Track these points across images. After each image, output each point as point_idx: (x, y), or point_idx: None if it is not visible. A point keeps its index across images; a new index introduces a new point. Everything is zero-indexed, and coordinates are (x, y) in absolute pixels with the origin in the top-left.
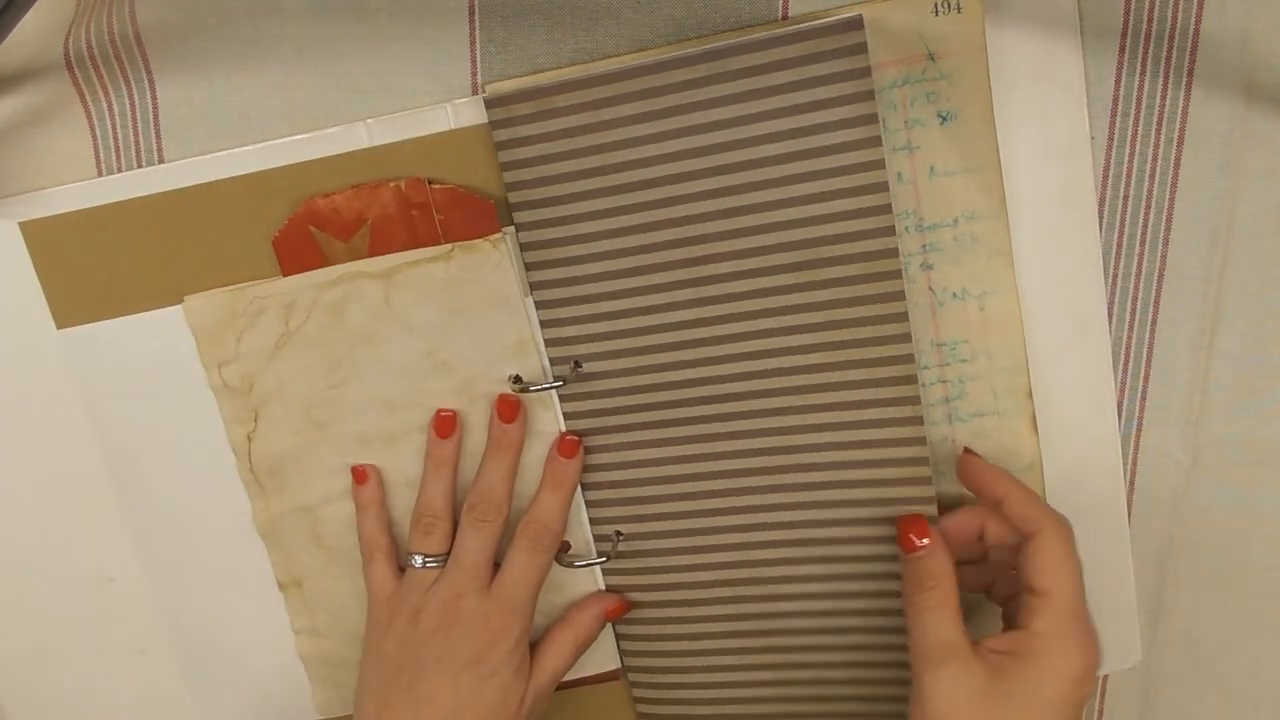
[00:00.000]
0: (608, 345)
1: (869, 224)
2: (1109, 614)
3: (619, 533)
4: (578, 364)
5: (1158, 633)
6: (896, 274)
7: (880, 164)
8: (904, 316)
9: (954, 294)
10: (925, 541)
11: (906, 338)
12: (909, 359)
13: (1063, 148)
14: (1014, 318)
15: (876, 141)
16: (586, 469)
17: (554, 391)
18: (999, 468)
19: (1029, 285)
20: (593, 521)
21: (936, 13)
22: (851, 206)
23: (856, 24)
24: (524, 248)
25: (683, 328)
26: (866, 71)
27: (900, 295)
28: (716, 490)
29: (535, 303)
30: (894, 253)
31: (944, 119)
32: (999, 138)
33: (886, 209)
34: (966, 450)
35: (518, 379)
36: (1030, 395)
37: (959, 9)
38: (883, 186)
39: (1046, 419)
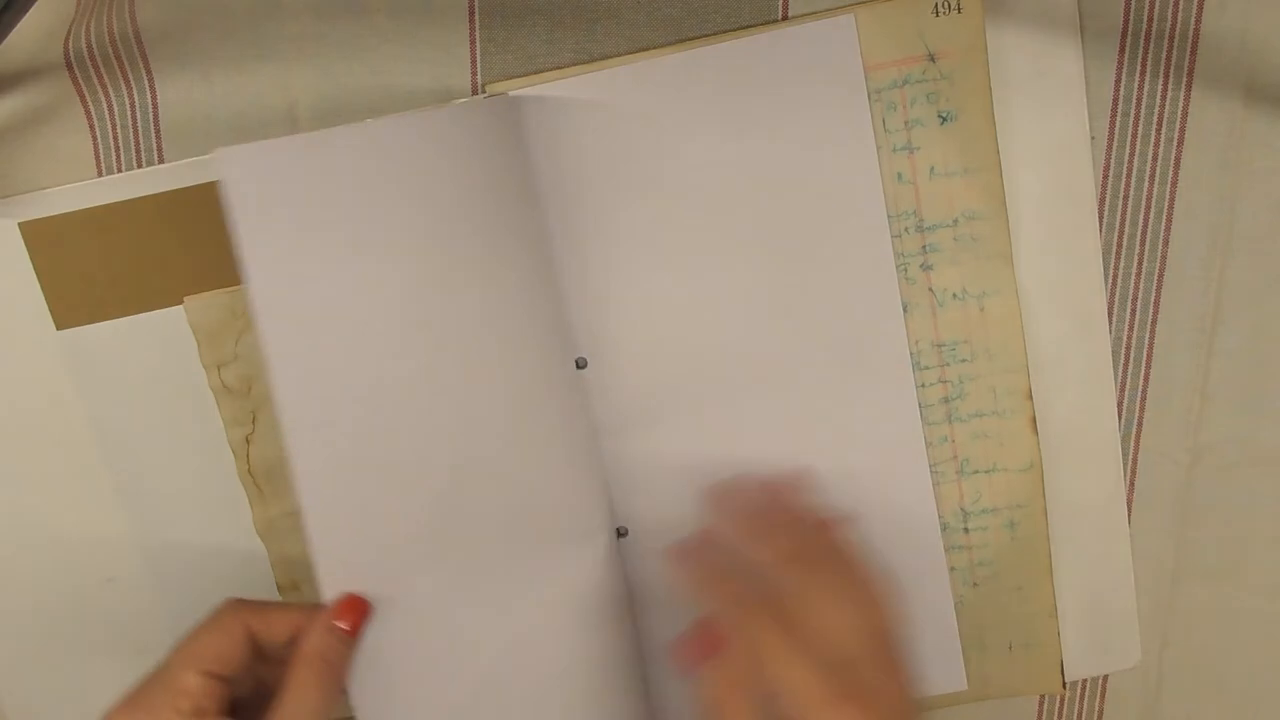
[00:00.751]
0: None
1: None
2: (1108, 614)
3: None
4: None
5: (1158, 633)
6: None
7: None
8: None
9: (954, 294)
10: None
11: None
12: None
13: (1063, 148)
14: (1014, 318)
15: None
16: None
17: None
18: None
19: (1029, 285)
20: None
21: (937, 13)
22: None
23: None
24: None
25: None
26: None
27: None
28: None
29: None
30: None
31: (944, 119)
32: (999, 138)
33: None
34: None
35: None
36: (1030, 396)
37: (959, 9)
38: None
39: (1046, 419)
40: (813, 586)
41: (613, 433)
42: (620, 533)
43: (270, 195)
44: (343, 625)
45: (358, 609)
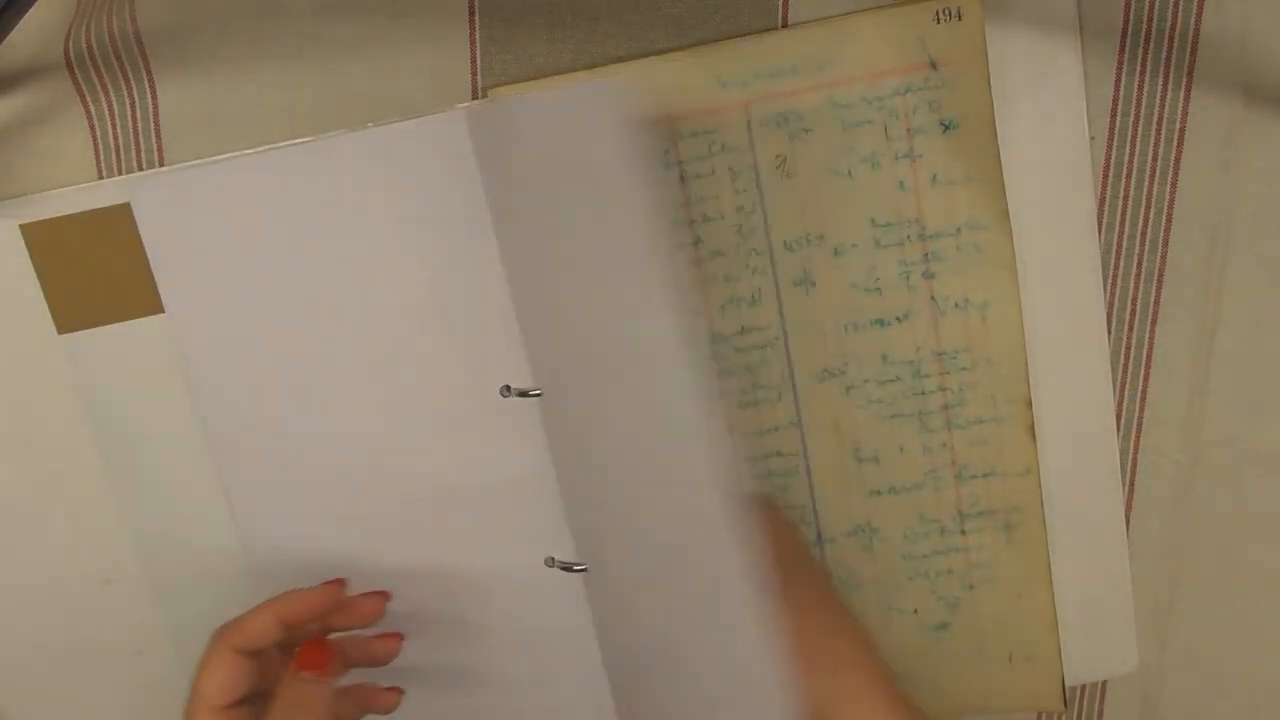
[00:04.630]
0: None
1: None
2: (1105, 619)
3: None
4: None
5: (1157, 634)
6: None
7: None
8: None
9: (955, 303)
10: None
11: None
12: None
13: (1064, 156)
14: (1015, 327)
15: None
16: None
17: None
18: None
19: (1028, 293)
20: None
21: (938, 20)
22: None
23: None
24: None
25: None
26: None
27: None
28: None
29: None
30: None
31: (946, 127)
32: (1001, 146)
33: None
34: None
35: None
36: (1029, 404)
37: (960, 16)
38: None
39: (1044, 426)
40: None
41: (569, 464)
42: (572, 568)
43: (181, 222)
44: (308, 674)
45: (321, 654)
